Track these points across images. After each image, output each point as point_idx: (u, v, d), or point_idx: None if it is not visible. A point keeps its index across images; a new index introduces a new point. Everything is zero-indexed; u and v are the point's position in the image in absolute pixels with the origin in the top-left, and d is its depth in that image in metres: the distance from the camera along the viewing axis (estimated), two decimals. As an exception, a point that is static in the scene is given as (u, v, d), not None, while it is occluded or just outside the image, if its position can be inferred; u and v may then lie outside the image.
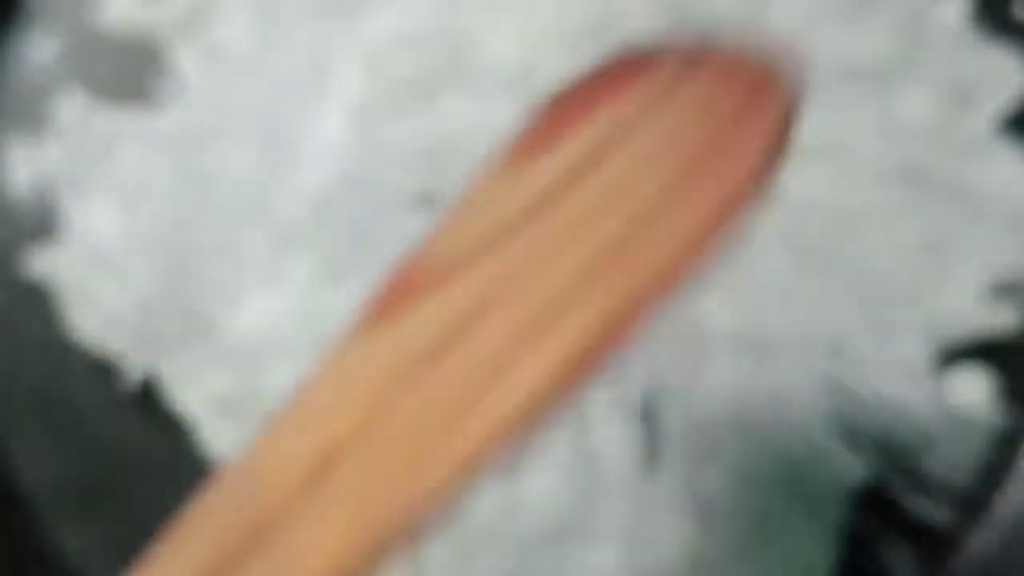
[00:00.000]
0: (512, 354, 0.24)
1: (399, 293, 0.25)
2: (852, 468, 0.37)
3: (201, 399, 0.38)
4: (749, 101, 0.27)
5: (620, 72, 0.28)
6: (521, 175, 0.27)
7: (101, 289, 0.38)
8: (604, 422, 0.37)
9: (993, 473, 0.37)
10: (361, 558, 0.23)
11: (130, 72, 0.40)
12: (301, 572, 0.22)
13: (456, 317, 0.24)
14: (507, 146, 0.28)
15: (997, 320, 0.37)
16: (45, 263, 0.39)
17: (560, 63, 0.39)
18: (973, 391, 0.37)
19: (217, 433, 0.38)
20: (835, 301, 0.38)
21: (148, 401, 0.38)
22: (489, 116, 0.39)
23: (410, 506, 0.23)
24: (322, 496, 0.23)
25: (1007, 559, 0.37)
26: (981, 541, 0.37)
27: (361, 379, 0.24)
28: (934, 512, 0.37)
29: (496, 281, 0.24)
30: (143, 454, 0.39)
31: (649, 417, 0.37)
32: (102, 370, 0.39)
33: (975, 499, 0.37)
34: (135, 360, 0.38)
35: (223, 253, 0.38)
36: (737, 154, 0.26)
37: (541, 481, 0.37)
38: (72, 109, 0.40)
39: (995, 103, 0.38)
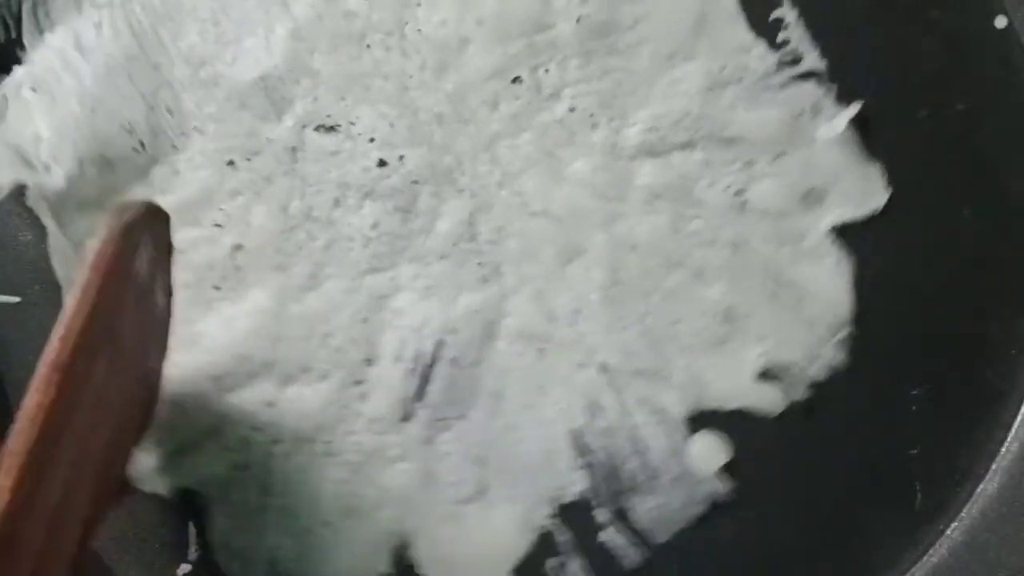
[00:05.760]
0: None
1: None
2: (573, 478, 0.39)
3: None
4: None
5: None
6: None
7: (40, 129, 0.44)
8: (389, 358, 0.41)
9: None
10: None
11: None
12: None
13: None
14: None
15: (755, 400, 0.39)
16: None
17: (489, 50, 0.43)
18: (707, 456, 0.39)
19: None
20: (623, 331, 0.40)
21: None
22: (410, 77, 0.43)
23: None
24: None
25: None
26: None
27: None
28: (625, 548, 0.39)
29: None
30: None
31: (423, 372, 0.41)
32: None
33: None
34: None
35: (152, 112, 0.45)
36: None
37: (312, 386, 0.41)
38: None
39: (841, 211, 0.40)
